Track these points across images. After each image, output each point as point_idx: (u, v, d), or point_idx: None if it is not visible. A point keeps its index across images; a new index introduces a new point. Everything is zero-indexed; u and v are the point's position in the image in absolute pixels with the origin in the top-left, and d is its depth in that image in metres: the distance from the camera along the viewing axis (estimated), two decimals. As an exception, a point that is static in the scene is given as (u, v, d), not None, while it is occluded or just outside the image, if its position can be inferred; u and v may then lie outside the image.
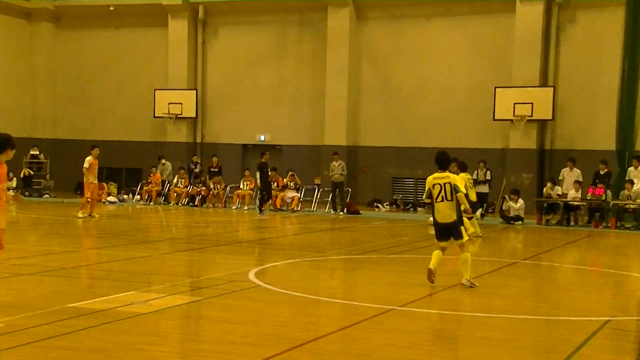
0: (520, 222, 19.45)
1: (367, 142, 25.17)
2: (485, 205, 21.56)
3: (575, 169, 20.14)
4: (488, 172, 21.14)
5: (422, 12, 24.52)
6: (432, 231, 10.01)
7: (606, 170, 20.03)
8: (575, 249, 15.25)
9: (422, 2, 24.35)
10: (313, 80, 25.59)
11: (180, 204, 23.58)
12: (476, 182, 21.23)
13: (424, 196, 9.71)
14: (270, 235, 16.57)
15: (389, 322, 7.47)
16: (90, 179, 18.17)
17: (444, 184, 9.35)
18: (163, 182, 24.50)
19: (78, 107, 28.54)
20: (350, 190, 23.33)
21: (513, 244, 16.28)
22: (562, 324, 7.67)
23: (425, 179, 9.69)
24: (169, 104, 26.35)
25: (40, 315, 7.06)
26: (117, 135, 27.82)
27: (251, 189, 23.26)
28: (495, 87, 22.83)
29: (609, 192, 19.26)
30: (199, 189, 23.58)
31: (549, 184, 20.14)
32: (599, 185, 19.25)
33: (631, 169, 19.83)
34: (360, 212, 21.60)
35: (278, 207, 22.30)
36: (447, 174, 9.50)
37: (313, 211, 22.35)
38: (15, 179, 26.14)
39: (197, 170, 24.33)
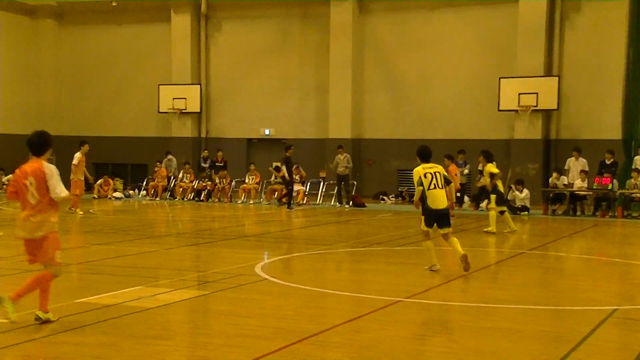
0: (526, 212, 19.42)
1: (371, 135, 25.15)
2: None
3: (581, 158, 20.09)
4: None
5: (425, 3, 24.43)
6: None
7: (612, 159, 19.97)
8: (581, 239, 15.22)
9: (426, -7, 24.28)
10: (317, 74, 25.56)
11: (186, 199, 23.63)
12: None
13: (415, 184, 9.88)
14: (276, 228, 16.59)
15: (396, 314, 7.48)
16: (78, 176, 18.14)
17: (434, 172, 9.83)
18: (169, 177, 24.55)
19: (82, 103, 28.57)
20: (355, 183, 23.32)
21: (519, 235, 16.24)
22: (569, 313, 7.66)
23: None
24: (173, 99, 26.37)
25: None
26: (122, 131, 27.85)
27: (256, 183, 23.29)
28: (500, 78, 22.75)
29: (615, 181, 19.20)
30: (204, 184, 23.61)
31: (554, 174, 20.09)
32: (605, 175, 19.20)
33: (637, 157, 19.76)
34: (366, 204, 21.60)
35: (283, 201, 22.31)
36: (434, 164, 10.02)
37: (318, 204, 22.35)
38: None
39: (207, 165, 24.36)
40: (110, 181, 24.75)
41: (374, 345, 6.15)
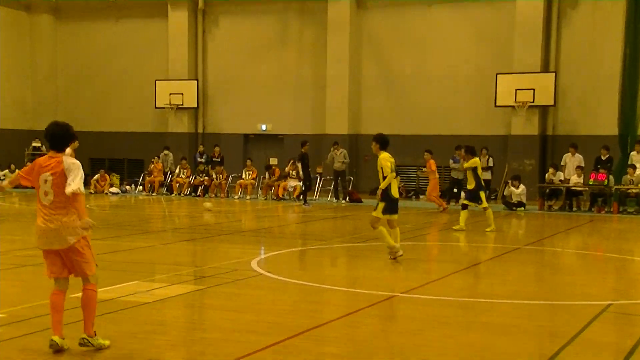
0: (522, 208, 19.46)
1: (368, 131, 25.10)
2: (487, 192, 21.58)
3: (577, 154, 20.13)
4: (490, 158, 21.16)
5: (422, 0, 24.42)
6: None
7: (607, 155, 20.01)
8: (577, 234, 15.26)
9: (423, -11, 24.27)
10: (314, 70, 25.53)
11: (182, 194, 23.62)
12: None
13: (390, 172, 10.07)
14: (272, 224, 16.60)
15: (392, 309, 7.50)
16: None
17: (393, 161, 10.31)
18: (165, 172, 24.54)
19: (79, 98, 28.52)
20: (352, 178, 23.32)
21: (515, 230, 16.29)
22: (565, 308, 7.69)
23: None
24: (170, 94, 26.34)
25: (43, 305, 7.06)
26: (119, 126, 27.81)
27: (253, 179, 23.29)
28: (497, 74, 22.76)
29: (611, 177, 19.25)
30: (202, 179, 23.60)
31: (551, 170, 20.12)
32: (601, 171, 19.24)
33: (633, 153, 19.82)
34: (363, 200, 21.61)
35: (280, 196, 22.33)
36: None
37: (315, 200, 22.36)
38: (17, 170, 26.19)
39: (202, 160, 24.35)
40: (107, 176, 24.73)
41: (370, 340, 6.16)
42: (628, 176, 19.12)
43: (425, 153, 19.64)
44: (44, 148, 27.10)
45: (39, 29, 28.51)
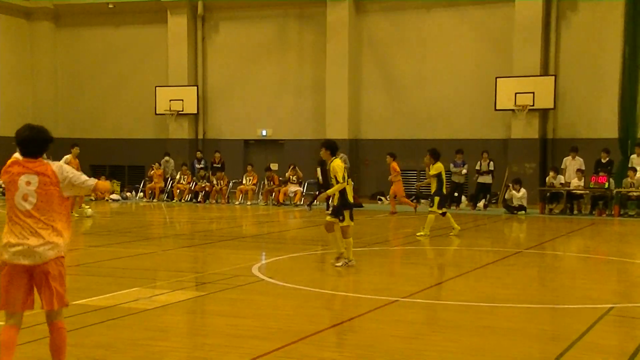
0: (523, 211, 19.45)
1: (368, 135, 25.15)
2: (488, 195, 21.59)
3: (577, 157, 20.13)
4: (491, 162, 21.17)
5: (422, 3, 24.44)
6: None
7: (608, 158, 20.02)
8: (578, 238, 15.24)
9: (422, -7, 24.30)
10: (314, 74, 25.55)
11: (183, 201, 23.62)
12: (479, 173, 21.30)
13: (340, 178, 9.89)
14: (273, 229, 16.59)
15: (394, 314, 7.49)
16: None
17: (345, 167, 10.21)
18: (166, 179, 24.55)
19: (79, 105, 28.55)
20: (352, 183, 23.29)
21: (516, 234, 16.27)
22: (566, 311, 7.68)
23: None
24: (170, 100, 26.36)
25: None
26: (119, 133, 27.84)
27: (254, 184, 23.29)
28: (497, 77, 22.78)
29: (611, 180, 19.24)
30: (203, 185, 23.60)
31: (551, 173, 20.13)
32: (601, 174, 19.24)
33: (634, 156, 19.82)
34: (363, 205, 21.60)
35: (281, 201, 22.32)
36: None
37: (316, 205, 22.35)
38: None
39: (201, 165, 24.37)
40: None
41: (371, 344, 6.15)
42: (629, 179, 19.12)
43: (388, 156, 19.86)
44: (44, 155, 27.07)
45: (39, 35, 28.57)
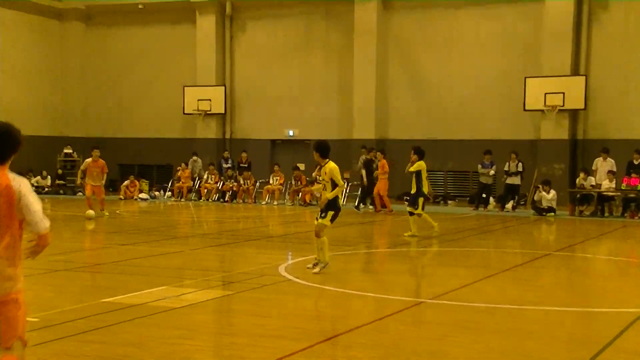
0: (552, 213, 19.21)
1: (395, 135, 25.04)
2: (517, 197, 21.35)
3: (608, 158, 19.84)
4: (520, 163, 20.92)
5: (451, 3, 24.28)
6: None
7: (640, 159, 19.69)
8: (609, 240, 15.02)
9: (450, -7, 24.14)
10: (340, 74, 25.53)
11: (210, 200, 23.76)
12: (507, 174, 21.08)
13: (337, 181, 9.62)
14: (300, 229, 16.60)
15: (420, 315, 7.44)
16: (89, 181, 17.95)
17: None
18: (194, 178, 24.72)
19: (108, 104, 28.87)
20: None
21: (546, 236, 16.08)
22: (596, 315, 7.56)
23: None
24: (198, 100, 26.54)
25: (75, 310, 7.18)
26: (148, 132, 28.09)
27: (280, 184, 23.34)
28: (526, 77, 22.53)
29: (643, 181, 18.92)
30: (230, 185, 23.72)
31: (582, 175, 19.85)
32: (633, 175, 18.93)
33: (666, 157, 19.46)
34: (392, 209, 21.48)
35: (307, 201, 22.33)
36: None
37: (343, 205, 22.29)
38: (49, 177, 26.59)
39: (228, 165, 24.48)
40: (137, 182, 25.00)
41: (397, 345, 6.12)
42: (661, 180, 18.78)
43: (378, 153, 20.31)
44: (75, 154, 27.49)
45: (69, 36, 28.94)
